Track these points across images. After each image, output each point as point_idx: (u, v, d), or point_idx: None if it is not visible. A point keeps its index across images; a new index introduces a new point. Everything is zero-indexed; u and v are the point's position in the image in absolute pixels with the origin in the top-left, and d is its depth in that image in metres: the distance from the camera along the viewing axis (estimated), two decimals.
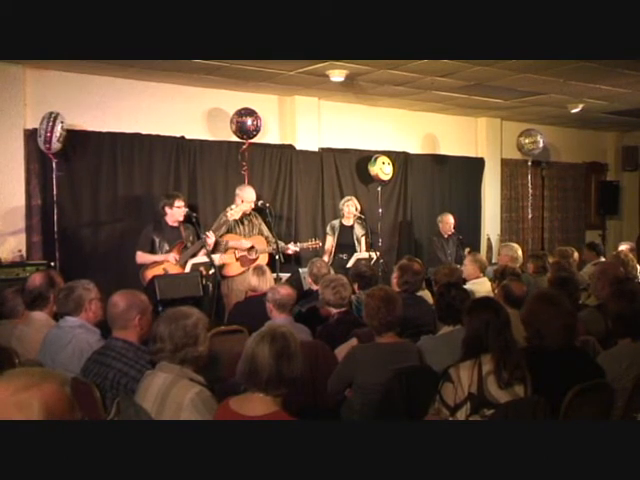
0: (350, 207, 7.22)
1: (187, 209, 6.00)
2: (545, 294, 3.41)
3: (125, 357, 2.98)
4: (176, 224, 6.03)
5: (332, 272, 5.23)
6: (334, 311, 4.28)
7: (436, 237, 8.10)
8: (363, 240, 7.21)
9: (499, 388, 2.76)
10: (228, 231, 6.42)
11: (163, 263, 5.82)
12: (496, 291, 4.89)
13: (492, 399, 2.74)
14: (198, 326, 2.67)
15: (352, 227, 7.27)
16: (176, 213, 5.98)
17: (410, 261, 5.08)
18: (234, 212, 6.20)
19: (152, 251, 5.94)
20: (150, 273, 5.74)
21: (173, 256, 5.85)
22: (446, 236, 8.03)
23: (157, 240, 5.95)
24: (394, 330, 3.45)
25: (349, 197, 7.43)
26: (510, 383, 2.76)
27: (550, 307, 3.13)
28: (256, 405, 2.28)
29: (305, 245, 6.72)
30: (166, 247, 5.93)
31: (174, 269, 5.78)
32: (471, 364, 2.81)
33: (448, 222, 8.04)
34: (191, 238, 6.06)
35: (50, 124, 5.74)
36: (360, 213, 7.37)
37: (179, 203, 5.98)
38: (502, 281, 4.81)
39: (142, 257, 5.92)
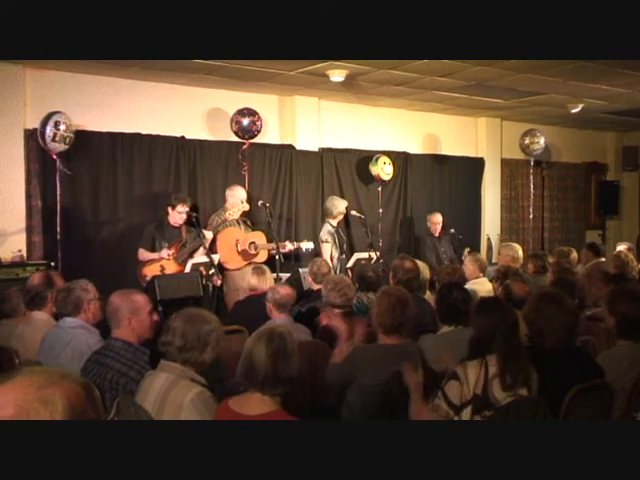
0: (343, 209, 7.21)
1: (192, 213, 5.95)
2: (549, 293, 3.42)
3: (124, 358, 2.97)
4: (177, 225, 6.05)
5: (332, 272, 5.22)
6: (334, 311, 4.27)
7: (429, 237, 8.18)
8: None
9: (503, 391, 2.75)
10: (225, 227, 6.43)
11: (160, 261, 5.82)
12: (499, 290, 4.89)
13: (496, 402, 2.74)
14: (211, 335, 2.64)
15: (339, 228, 7.28)
16: (176, 216, 6.00)
17: (402, 260, 5.05)
18: (233, 212, 6.22)
19: (152, 249, 5.96)
20: (147, 271, 5.77)
21: (166, 251, 5.86)
22: (437, 235, 8.07)
23: (157, 238, 5.98)
24: (400, 333, 3.43)
25: (341, 199, 7.41)
26: (513, 386, 2.75)
27: (553, 305, 3.14)
28: (255, 405, 2.28)
29: (301, 245, 6.72)
30: (165, 245, 5.94)
31: (172, 267, 5.79)
32: (478, 363, 2.80)
33: (433, 222, 8.09)
34: (193, 237, 6.06)
35: (43, 125, 5.74)
36: (360, 213, 7.38)
37: (181, 208, 5.97)
38: (504, 281, 4.81)
39: (142, 255, 5.97)
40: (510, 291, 4.35)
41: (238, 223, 6.55)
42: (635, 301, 3.40)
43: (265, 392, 2.28)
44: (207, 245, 5.89)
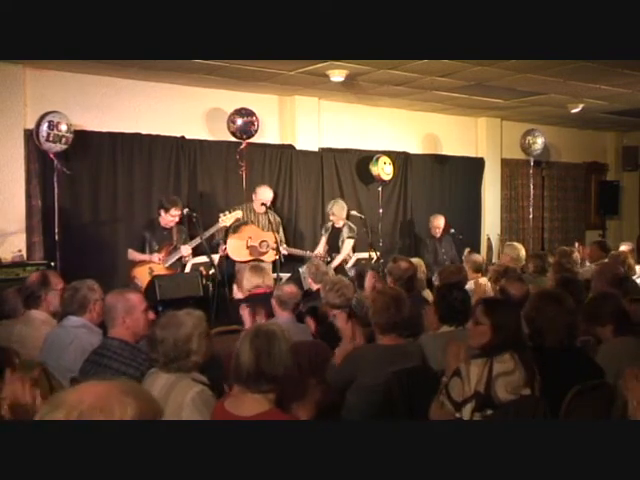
0: (337, 212, 7.10)
1: (192, 213, 5.94)
2: (550, 292, 3.43)
3: (121, 356, 2.98)
4: (168, 226, 6.02)
5: (332, 273, 5.22)
6: (334, 312, 4.27)
7: (429, 238, 8.19)
8: (347, 243, 7.02)
9: (507, 392, 2.74)
10: (246, 223, 6.55)
11: (149, 263, 5.81)
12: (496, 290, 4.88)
13: (498, 402, 2.73)
14: (191, 340, 2.62)
15: (341, 229, 7.15)
16: (167, 219, 5.96)
17: (396, 261, 5.04)
18: (226, 218, 6.20)
19: (142, 249, 5.93)
20: (136, 272, 5.78)
21: (157, 256, 5.84)
22: (437, 237, 8.07)
23: (147, 238, 5.96)
24: (398, 332, 3.43)
25: (335, 200, 7.33)
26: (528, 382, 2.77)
27: (554, 305, 3.14)
28: (249, 404, 2.27)
29: (294, 251, 6.84)
30: (155, 246, 5.92)
31: (160, 270, 5.75)
32: (482, 362, 2.79)
33: (434, 225, 8.09)
34: (183, 239, 6.05)
35: (37, 125, 5.75)
36: (360, 213, 7.36)
37: (175, 212, 5.93)
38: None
39: (131, 254, 5.97)
40: (507, 292, 4.34)
41: (262, 218, 6.65)
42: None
43: (251, 389, 2.27)
44: (185, 260, 5.87)
